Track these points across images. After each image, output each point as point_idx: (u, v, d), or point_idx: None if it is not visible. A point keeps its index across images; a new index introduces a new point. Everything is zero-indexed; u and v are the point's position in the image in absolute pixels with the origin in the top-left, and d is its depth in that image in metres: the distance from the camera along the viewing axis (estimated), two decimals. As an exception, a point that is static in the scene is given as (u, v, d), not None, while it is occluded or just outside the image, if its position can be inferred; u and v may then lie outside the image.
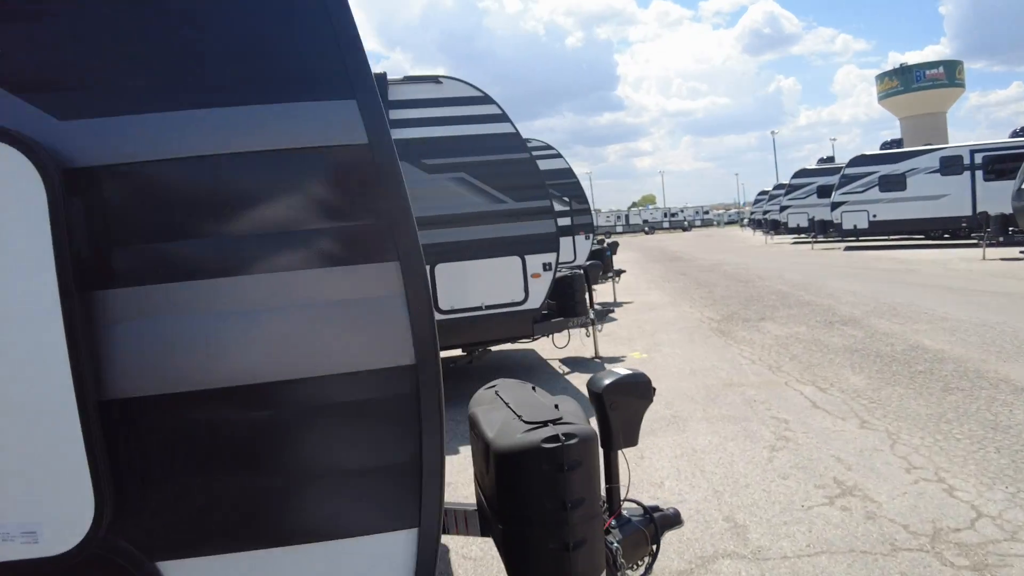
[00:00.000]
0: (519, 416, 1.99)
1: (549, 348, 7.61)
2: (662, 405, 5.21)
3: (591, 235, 11.58)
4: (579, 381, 6.40)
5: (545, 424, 1.88)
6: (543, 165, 11.07)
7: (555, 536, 1.71)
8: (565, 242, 11.00)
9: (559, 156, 11.35)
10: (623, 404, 2.31)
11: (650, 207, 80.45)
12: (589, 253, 11.95)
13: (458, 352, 6.23)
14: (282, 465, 1.47)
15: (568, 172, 11.36)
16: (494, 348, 6.71)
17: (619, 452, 2.48)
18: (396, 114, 5.52)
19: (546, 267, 5.87)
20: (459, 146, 5.64)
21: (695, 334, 8.18)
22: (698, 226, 69.20)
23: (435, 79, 5.54)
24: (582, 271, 7.14)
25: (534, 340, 6.58)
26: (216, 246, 1.41)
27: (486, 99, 5.67)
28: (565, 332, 7.13)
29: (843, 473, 3.51)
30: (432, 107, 5.59)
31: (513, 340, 6.33)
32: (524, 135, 6.22)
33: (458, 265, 5.71)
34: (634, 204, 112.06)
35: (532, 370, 7.13)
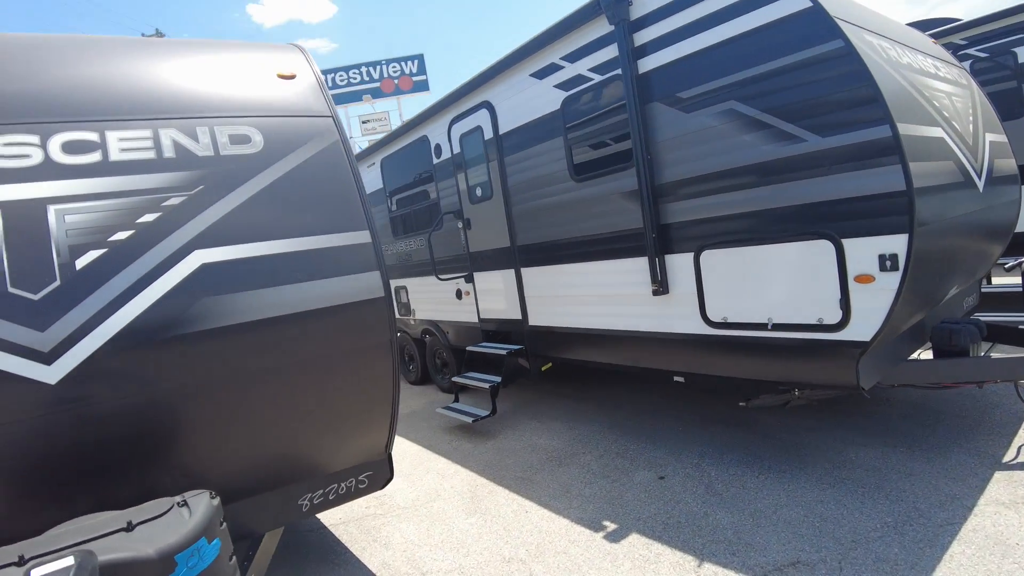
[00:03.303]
0: None
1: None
2: None
3: None
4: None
5: None
6: None
7: None
8: None
9: None
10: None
11: None
12: None
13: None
14: None
15: None
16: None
17: None
18: (642, 36, 3.82)
19: (887, 262, 2.82)
20: (724, 58, 3.36)
21: None
22: None
23: (682, -41, 3.41)
24: None
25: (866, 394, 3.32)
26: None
27: (761, -42, 3.04)
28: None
29: None
30: (682, 9, 3.52)
31: (821, 389, 3.44)
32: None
33: (731, 254, 3.57)
34: None
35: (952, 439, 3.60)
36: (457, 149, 5.94)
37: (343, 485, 3.09)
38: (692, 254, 3.77)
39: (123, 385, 2.28)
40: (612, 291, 4.44)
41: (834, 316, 3.09)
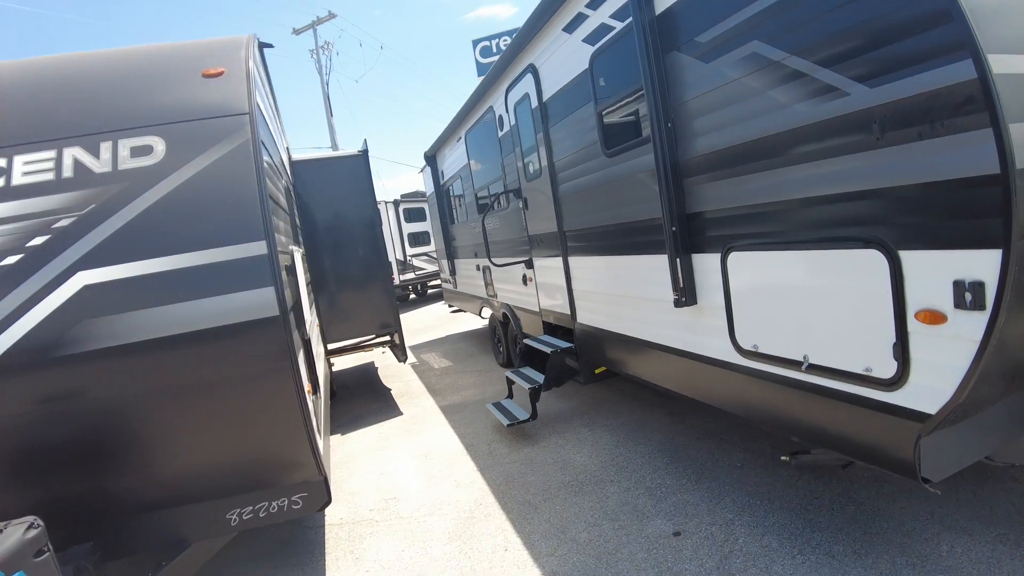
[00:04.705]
0: None
1: None
2: None
3: None
4: None
5: None
6: None
7: None
8: None
9: None
10: None
11: None
12: None
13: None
14: None
15: None
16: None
17: None
18: (656, -37, 2.83)
19: (966, 295, 1.67)
20: (744, -21, 2.31)
21: None
22: None
23: None
24: None
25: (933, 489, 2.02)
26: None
27: None
28: None
29: None
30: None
31: (866, 461, 2.24)
32: None
33: (760, 259, 2.56)
34: None
35: None
36: (513, 120, 5.34)
37: (275, 504, 2.93)
38: (719, 255, 2.82)
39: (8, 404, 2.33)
40: (641, 293, 3.60)
41: (886, 368, 2.01)
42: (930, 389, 1.87)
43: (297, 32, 25.00)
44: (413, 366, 8.97)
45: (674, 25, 2.83)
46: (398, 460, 5.01)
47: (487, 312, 8.11)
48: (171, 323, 2.43)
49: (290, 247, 3.27)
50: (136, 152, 2.57)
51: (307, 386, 3.00)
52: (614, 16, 3.35)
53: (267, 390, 2.61)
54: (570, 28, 3.90)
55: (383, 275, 6.57)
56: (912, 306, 1.89)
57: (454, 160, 8.07)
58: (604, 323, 4.27)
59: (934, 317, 1.82)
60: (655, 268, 3.33)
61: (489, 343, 9.29)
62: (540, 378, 4.98)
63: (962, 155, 1.65)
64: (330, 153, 6.47)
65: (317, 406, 3.79)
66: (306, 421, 2.74)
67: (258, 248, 2.53)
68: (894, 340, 1.96)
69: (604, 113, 3.70)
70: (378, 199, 16.38)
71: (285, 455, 2.80)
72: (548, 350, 4.90)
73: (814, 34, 2.06)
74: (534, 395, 4.85)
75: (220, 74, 2.84)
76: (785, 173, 2.30)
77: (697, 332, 3.12)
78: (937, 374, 1.84)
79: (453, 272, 9.75)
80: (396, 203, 16.82)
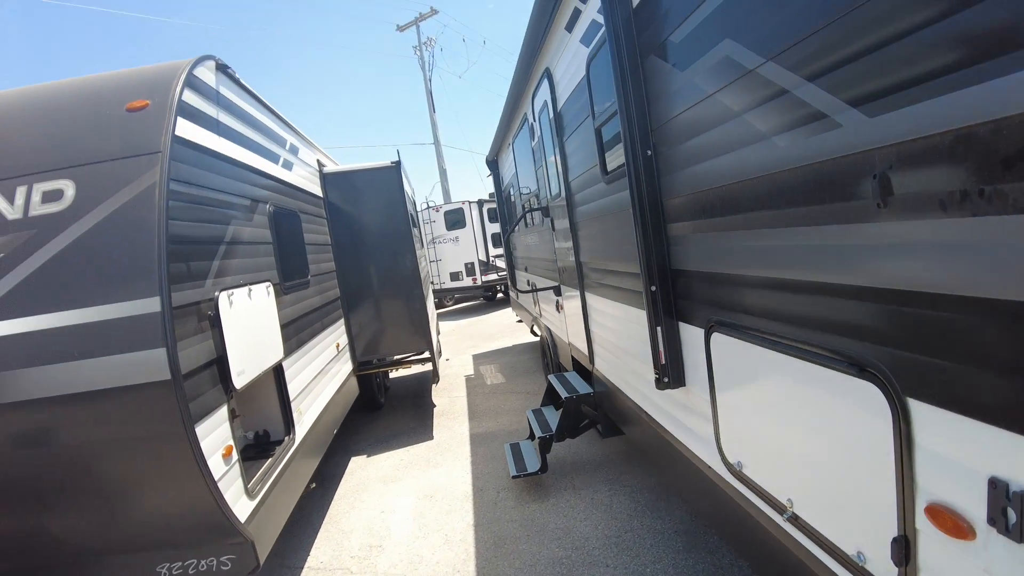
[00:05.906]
0: None
1: None
2: None
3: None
4: None
5: None
6: None
7: None
8: None
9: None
10: None
11: None
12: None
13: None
14: None
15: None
16: None
17: None
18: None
19: (1010, 513, 0.88)
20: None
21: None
22: None
23: None
24: None
25: None
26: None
27: None
28: None
29: None
30: None
31: None
32: None
33: (743, 350, 1.80)
34: None
35: None
36: (539, 131, 4.73)
37: (203, 563, 2.74)
38: (703, 332, 2.09)
39: None
40: (638, 353, 2.90)
41: (882, 566, 1.24)
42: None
43: (401, 29, 25.64)
44: (468, 379, 8.65)
45: (652, 21, 2.12)
46: (403, 497, 4.67)
47: (537, 330, 7.56)
48: (61, 383, 2.24)
49: (222, 287, 2.96)
50: (47, 197, 2.38)
51: (224, 448, 2.71)
52: (601, 11, 2.67)
53: (163, 455, 2.37)
54: (570, 26, 3.24)
55: (414, 292, 6.22)
56: (923, 492, 1.12)
57: (507, 168, 7.58)
58: (613, 375, 3.59)
59: (955, 526, 1.05)
60: (639, 321, 2.63)
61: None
62: (549, 427, 4.38)
63: None
64: (362, 165, 6.21)
65: (283, 455, 3.52)
66: (211, 488, 2.45)
67: (148, 306, 2.25)
68: (896, 533, 1.20)
69: (602, 129, 3.02)
70: (463, 199, 16.42)
71: (200, 518, 2.56)
72: (565, 394, 4.28)
73: (794, 25, 1.31)
74: (544, 446, 4.26)
75: (144, 107, 2.59)
76: (763, 237, 1.56)
77: (689, 421, 2.40)
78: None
79: (514, 282, 9.29)
80: (480, 203, 16.61)
